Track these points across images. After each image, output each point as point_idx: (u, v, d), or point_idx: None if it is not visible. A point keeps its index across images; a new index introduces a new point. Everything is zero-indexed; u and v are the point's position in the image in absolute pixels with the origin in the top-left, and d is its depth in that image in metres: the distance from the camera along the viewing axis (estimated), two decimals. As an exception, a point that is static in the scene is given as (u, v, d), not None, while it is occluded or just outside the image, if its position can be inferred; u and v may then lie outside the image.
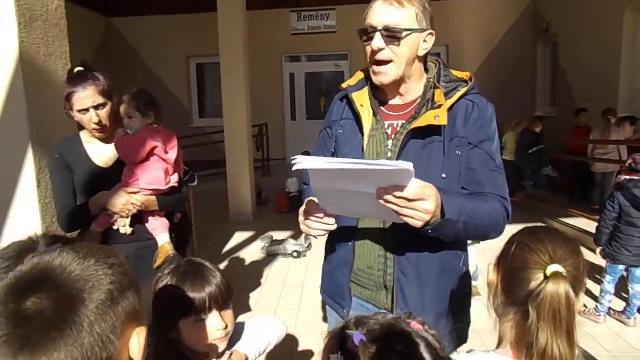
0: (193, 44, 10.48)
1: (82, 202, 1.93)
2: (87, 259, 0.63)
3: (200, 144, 8.37)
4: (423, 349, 0.73)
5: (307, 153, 8.04)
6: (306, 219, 1.26)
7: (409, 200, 1.04)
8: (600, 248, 3.54)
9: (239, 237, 5.80)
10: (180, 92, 10.95)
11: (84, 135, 1.99)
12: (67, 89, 1.83)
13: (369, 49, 1.26)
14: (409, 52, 1.25)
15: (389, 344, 0.72)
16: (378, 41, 1.23)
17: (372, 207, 1.09)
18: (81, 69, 1.89)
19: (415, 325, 0.77)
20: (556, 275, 0.87)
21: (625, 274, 3.52)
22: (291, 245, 5.07)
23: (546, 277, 0.88)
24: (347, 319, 0.81)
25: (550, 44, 9.83)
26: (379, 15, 1.22)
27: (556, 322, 0.86)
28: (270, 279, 4.48)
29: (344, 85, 1.42)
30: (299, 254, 5.01)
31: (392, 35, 1.22)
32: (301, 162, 1.03)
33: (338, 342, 0.76)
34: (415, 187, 1.03)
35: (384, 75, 1.27)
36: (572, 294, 0.86)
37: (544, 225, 1.07)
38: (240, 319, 1.37)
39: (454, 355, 1.03)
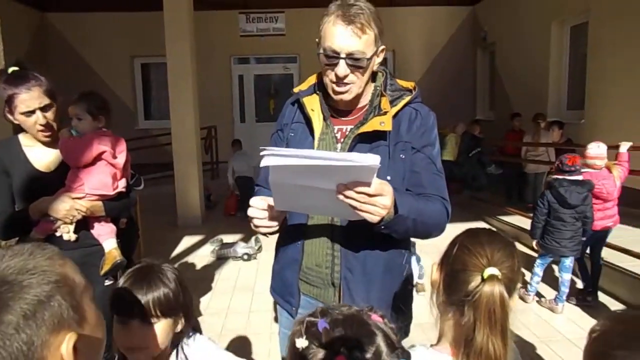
0: (137, 43, 10.14)
1: (21, 208, 1.86)
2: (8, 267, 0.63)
3: (146, 147, 8.13)
4: (380, 338, 0.80)
5: (237, 142, 7.92)
6: (256, 218, 1.30)
7: (370, 196, 1.08)
8: (535, 241, 3.86)
9: (187, 241, 5.70)
10: (124, 92, 10.55)
11: (23, 138, 1.91)
12: (7, 90, 1.75)
13: (331, 73, 1.29)
14: (370, 72, 1.33)
15: (349, 332, 0.79)
16: (343, 69, 1.26)
17: (329, 203, 1.12)
18: (16, 68, 1.81)
19: (375, 318, 0.85)
20: (492, 277, 0.94)
21: (555, 267, 3.86)
22: (241, 248, 5.05)
23: (483, 280, 0.95)
24: (323, 308, 0.87)
25: (489, 51, 10.41)
26: (340, 42, 1.24)
27: (491, 322, 0.92)
28: (220, 282, 4.44)
29: (296, 90, 1.47)
30: (249, 257, 5.00)
31: (357, 65, 1.26)
32: (269, 159, 1.05)
33: (304, 328, 0.81)
34: (376, 182, 1.08)
35: (347, 94, 1.32)
36: (506, 295, 0.94)
37: (485, 227, 1.16)
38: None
39: None
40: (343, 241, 1.35)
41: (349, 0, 1.26)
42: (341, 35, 1.24)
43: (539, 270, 3.88)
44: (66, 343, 0.64)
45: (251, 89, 11.18)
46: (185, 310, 1.22)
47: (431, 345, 1.08)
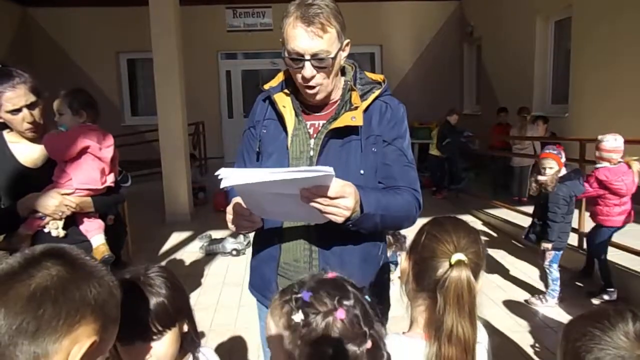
0: (123, 39, 10.03)
1: (7, 205, 1.85)
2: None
3: (132, 143, 8.07)
4: (349, 286, 0.92)
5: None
6: (235, 218, 1.32)
7: (331, 199, 1.13)
8: (551, 243, 3.55)
9: (176, 237, 5.68)
10: (110, 88, 10.44)
11: (8, 135, 1.90)
12: None
13: (298, 75, 1.30)
14: (336, 68, 1.35)
15: (330, 291, 0.89)
16: (309, 70, 1.27)
17: (296, 208, 1.17)
18: None
19: (331, 275, 0.95)
20: (459, 263, 0.99)
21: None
22: (230, 244, 5.06)
23: (451, 265, 1.00)
24: (288, 287, 0.94)
25: (475, 46, 10.50)
26: (303, 44, 1.24)
27: (460, 306, 0.97)
28: (209, 278, 4.45)
29: (266, 87, 1.47)
30: (238, 252, 5.01)
31: (322, 66, 1.27)
32: (227, 178, 1.10)
33: (294, 304, 0.88)
34: (336, 185, 1.12)
35: (318, 94, 1.34)
36: (472, 279, 0.99)
37: (450, 215, 1.20)
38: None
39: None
40: (319, 237, 1.37)
41: None
42: (303, 38, 1.24)
43: (558, 273, 3.64)
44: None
45: (239, 84, 11.14)
46: (185, 310, 1.17)
47: (403, 333, 1.13)
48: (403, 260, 1.13)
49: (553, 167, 3.54)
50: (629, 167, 3.55)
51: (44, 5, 9.96)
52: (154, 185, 7.10)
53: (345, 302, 0.88)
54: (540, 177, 3.59)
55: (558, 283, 3.66)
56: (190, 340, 1.19)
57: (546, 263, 3.66)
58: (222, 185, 1.11)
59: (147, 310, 1.06)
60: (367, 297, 0.92)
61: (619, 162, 3.56)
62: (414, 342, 1.07)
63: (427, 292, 1.05)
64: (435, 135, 7.98)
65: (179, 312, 1.13)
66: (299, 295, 0.88)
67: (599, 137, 3.63)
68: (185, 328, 1.16)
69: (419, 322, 1.09)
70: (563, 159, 3.62)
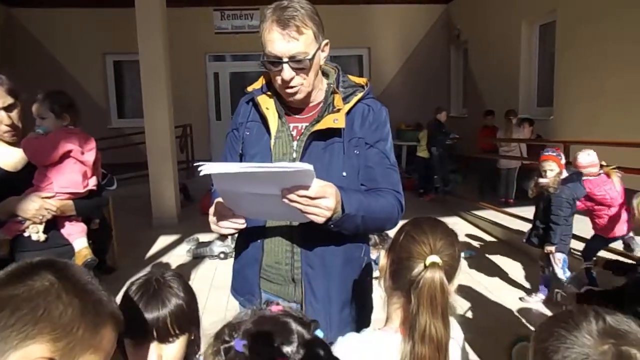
0: (109, 40, 9.93)
1: (-14, 209, 1.81)
2: None
3: (119, 146, 7.99)
4: (293, 323, 0.81)
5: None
6: (218, 220, 1.31)
7: (312, 198, 1.13)
8: (555, 246, 3.54)
9: (163, 240, 5.62)
10: (96, 90, 10.33)
11: (-14, 138, 1.86)
12: None
13: (278, 78, 1.31)
14: (315, 69, 1.34)
15: (268, 335, 0.78)
16: (288, 73, 1.28)
17: (277, 207, 1.17)
18: None
19: (275, 309, 0.85)
20: (433, 265, 1.01)
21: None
22: (217, 247, 5.02)
23: (425, 267, 1.01)
24: (219, 331, 0.83)
25: (462, 49, 10.60)
26: (280, 47, 1.26)
27: (433, 307, 0.99)
28: (197, 281, 4.41)
29: (250, 89, 1.47)
30: (226, 255, 4.97)
31: (300, 67, 1.28)
32: (207, 169, 1.09)
33: (224, 358, 0.77)
34: (317, 185, 1.12)
35: (298, 94, 1.34)
36: (445, 281, 1.01)
37: (430, 216, 1.21)
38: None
39: (345, 337, 1.14)
40: (301, 238, 1.37)
41: (283, 2, 1.27)
42: (279, 41, 1.26)
43: (568, 271, 3.58)
44: None
45: (227, 86, 11.10)
46: (197, 317, 1.16)
47: (378, 329, 1.14)
48: (382, 257, 1.15)
49: (554, 169, 3.57)
50: (609, 176, 3.62)
51: (28, 5, 9.81)
52: (141, 188, 7.03)
53: (286, 349, 0.76)
54: (541, 180, 3.60)
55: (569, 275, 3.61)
56: (193, 348, 1.17)
57: (558, 269, 3.57)
58: (201, 174, 1.10)
59: (168, 311, 1.06)
60: (318, 331, 0.82)
61: (599, 173, 3.63)
62: (388, 336, 1.09)
63: (402, 290, 1.06)
64: (424, 137, 8.04)
65: (192, 317, 1.12)
66: (231, 344, 0.76)
67: (576, 154, 3.69)
68: (192, 336, 1.15)
69: (393, 319, 1.11)
70: (563, 161, 3.65)
